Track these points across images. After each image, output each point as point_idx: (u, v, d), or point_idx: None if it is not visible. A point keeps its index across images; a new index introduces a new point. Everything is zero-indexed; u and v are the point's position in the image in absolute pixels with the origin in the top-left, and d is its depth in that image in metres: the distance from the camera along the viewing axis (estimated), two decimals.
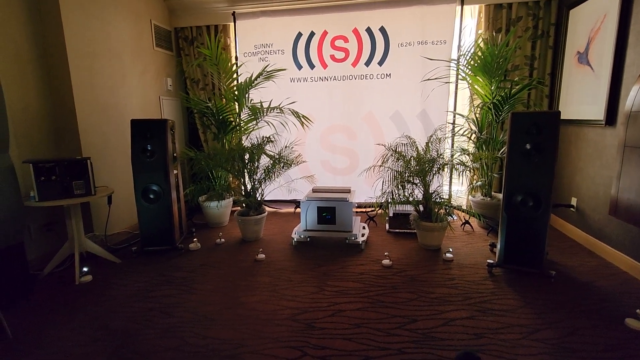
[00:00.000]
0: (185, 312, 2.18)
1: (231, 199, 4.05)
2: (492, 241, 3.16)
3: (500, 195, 3.11)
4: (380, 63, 4.15)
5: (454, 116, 4.03)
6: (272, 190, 3.87)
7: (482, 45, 3.47)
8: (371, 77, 4.20)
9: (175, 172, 3.30)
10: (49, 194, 2.54)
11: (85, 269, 2.69)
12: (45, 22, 2.91)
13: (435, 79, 3.86)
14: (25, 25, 2.79)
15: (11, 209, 2.30)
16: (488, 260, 2.69)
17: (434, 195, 3.11)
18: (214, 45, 3.74)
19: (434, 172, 3.04)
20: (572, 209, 3.31)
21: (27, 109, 2.80)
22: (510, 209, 2.51)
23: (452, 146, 3.98)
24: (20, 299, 2.33)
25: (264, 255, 2.98)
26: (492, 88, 3.40)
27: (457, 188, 4.31)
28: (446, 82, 3.89)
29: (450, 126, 4.01)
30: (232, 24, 4.37)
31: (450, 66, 3.82)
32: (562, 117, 2.47)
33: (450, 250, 2.93)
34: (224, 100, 4.09)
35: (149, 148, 3.01)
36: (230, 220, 4.09)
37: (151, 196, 3.05)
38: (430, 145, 3.18)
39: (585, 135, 3.16)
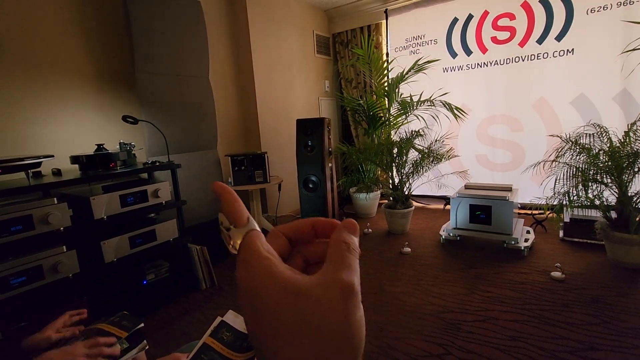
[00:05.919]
0: None
1: (379, 191, 4.20)
2: None
3: None
4: (559, 38, 3.45)
5: None
6: (420, 185, 3.81)
7: None
8: (545, 56, 3.55)
9: (330, 165, 3.67)
10: (240, 180, 3.26)
11: None
12: (239, 46, 3.70)
13: None
14: (228, 50, 3.63)
15: None
16: None
17: (634, 199, 2.42)
18: (365, 44, 3.94)
19: (635, 169, 2.36)
20: None
21: (228, 115, 3.66)
22: None
23: None
24: (223, 257, 3.10)
25: (409, 249, 2.99)
26: None
27: None
28: None
29: None
30: (384, 21, 4.47)
31: None
32: None
33: None
34: (375, 96, 4.24)
35: (310, 143, 3.45)
36: (377, 212, 4.25)
37: (310, 185, 3.50)
38: (631, 134, 2.47)
39: None
